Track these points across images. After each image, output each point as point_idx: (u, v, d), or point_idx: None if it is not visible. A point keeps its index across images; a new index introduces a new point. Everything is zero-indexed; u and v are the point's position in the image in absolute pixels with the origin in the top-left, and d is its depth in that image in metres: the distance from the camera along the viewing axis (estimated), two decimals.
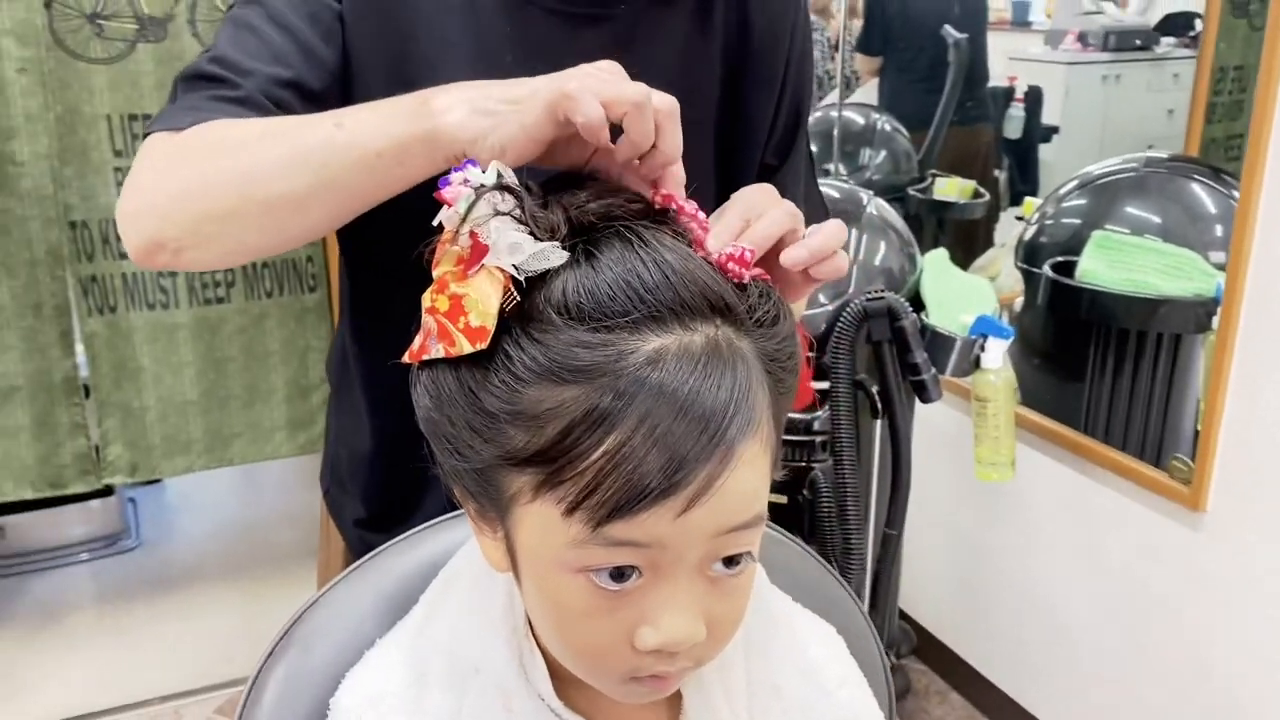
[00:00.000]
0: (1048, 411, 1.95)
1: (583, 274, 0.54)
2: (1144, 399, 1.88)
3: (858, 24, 3.12)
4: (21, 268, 2.04)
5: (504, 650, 0.63)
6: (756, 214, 0.61)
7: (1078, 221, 2.06)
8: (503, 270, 0.54)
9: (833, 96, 2.94)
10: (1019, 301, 2.14)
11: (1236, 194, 1.96)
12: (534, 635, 0.64)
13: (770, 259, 0.64)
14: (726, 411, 0.52)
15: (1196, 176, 2.04)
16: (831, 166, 2.76)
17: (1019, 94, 2.93)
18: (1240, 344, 1.51)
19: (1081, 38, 2.88)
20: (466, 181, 0.56)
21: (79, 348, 2.15)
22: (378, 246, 0.86)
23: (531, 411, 0.53)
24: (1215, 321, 1.69)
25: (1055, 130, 2.90)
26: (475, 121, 0.63)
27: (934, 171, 2.80)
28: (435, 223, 0.59)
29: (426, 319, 0.56)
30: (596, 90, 0.58)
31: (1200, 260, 1.82)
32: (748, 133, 0.90)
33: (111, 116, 2.02)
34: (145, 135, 0.76)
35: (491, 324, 0.53)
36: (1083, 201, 2.10)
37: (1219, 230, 1.85)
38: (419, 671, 0.65)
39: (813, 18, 3.26)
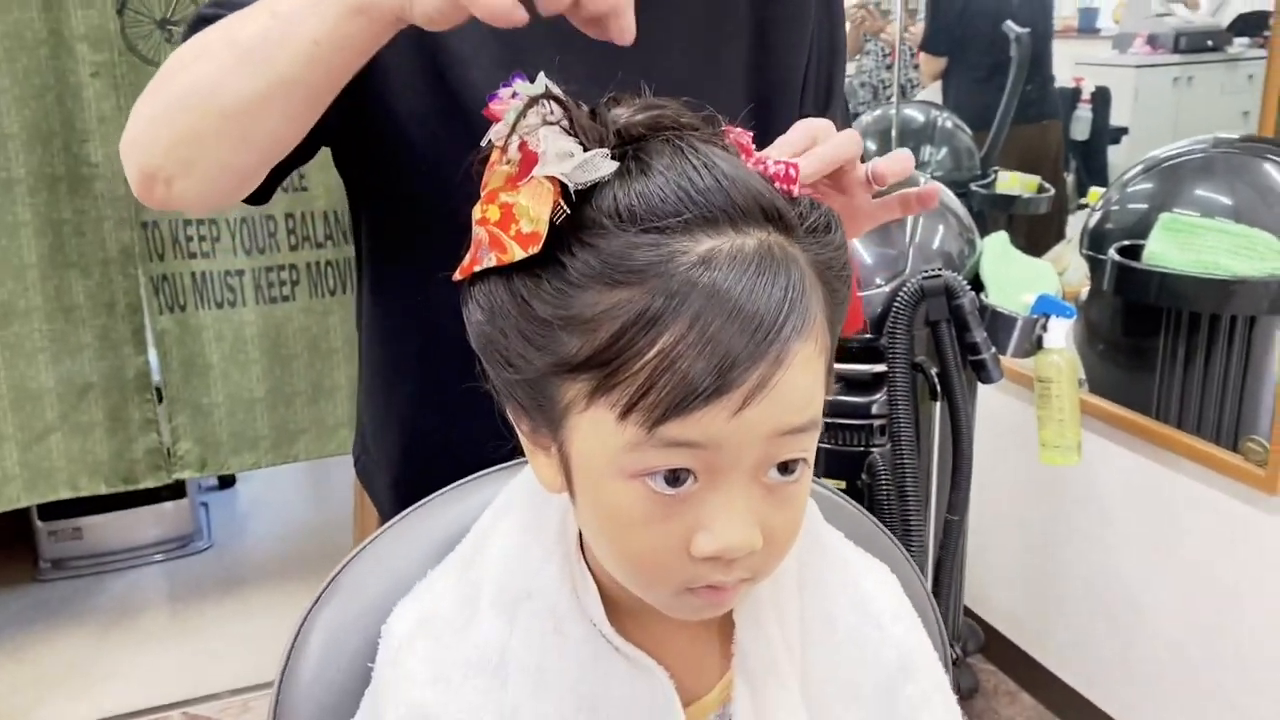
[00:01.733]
0: (1116, 399, 1.90)
1: (634, 179, 0.55)
2: (1218, 383, 1.83)
3: (912, 31, 3.10)
4: (95, 267, 2.10)
5: (556, 575, 0.63)
6: (822, 137, 0.62)
7: (1144, 206, 2.01)
8: (552, 179, 0.55)
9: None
10: (1085, 292, 2.10)
11: None
12: (586, 561, 0.64)
13: (835, 185, 0.65)
14: (781, 310, 0.52)
15: (1269, 156, 1.98)
16: None
17: (1085, 95, 2.89)
18: None
19: (1151, 40, 2.83)
20: (515, 95, 0.57)
21: (150, 346, 2.21)
22: (383, 187, 0.86)
23: (585, 315, 0.53)
24: None
25: (1124, 131, 2.85)
26: None
27: (996, 168, 2.77)
28: (484, 141, 0.60)
29: (477, 230, 0.57)
30: None
31: (1273, 239, 1.77)
32: (783, 81, 0.89)
33: None
34: None
35: (543, 229, 0.54)
36: (1149, 185, 2.05)
37: None
38: (469, 596, 0.65)
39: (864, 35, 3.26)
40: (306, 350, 2.24)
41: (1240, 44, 2.54)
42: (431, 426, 0.91)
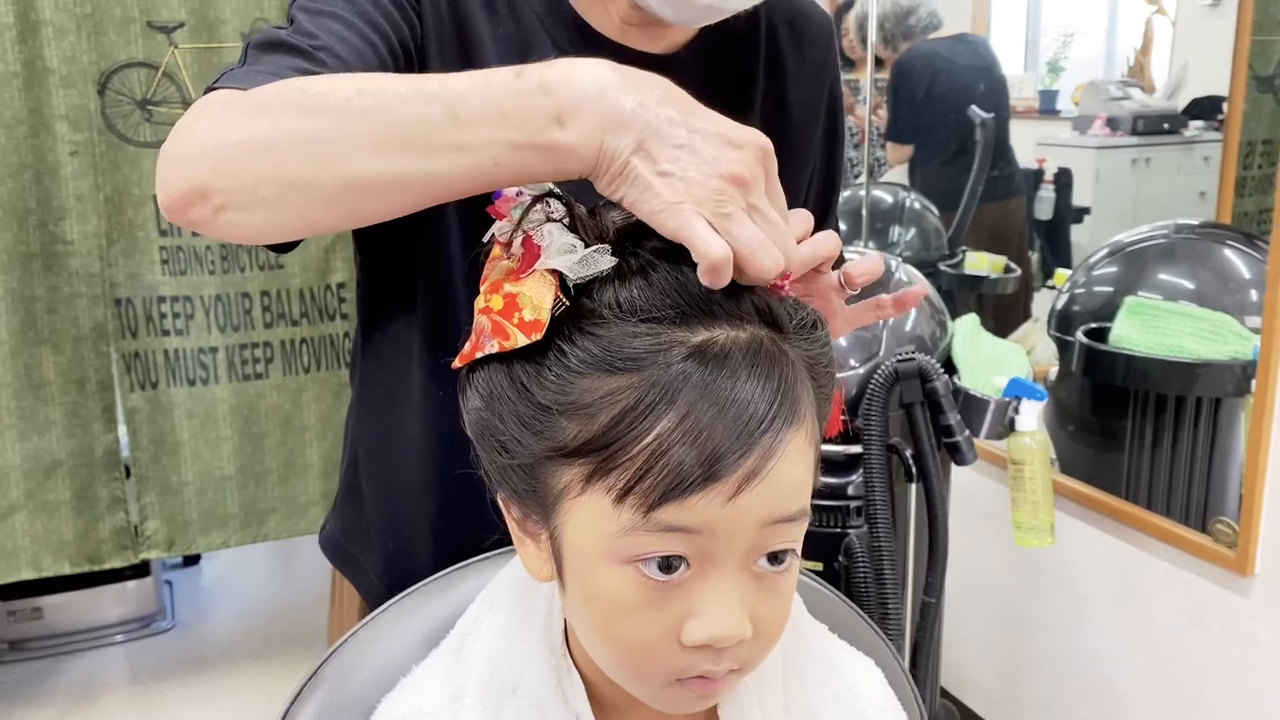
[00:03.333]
0: (1087, 479, 1.92)
1: (634, 274, 0.56)
2: (1185, 464, 1.86)
3: (880, 114, 3.18)
4: (67, 344, 2.09)
5: (542, 670, 0.63)
6: (802, 234, 0.64)
7: (1110, 289, 2.06)
8: (554, 272, 0.57)
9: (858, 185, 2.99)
10: (1054, 372, 2.14)
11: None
12: (572, 656, 0.64)
13: (806, 289, 0.67)
14: (775, 400, 0.53)
15: (1229, 242, 2.04)
16: (861, 244, 2.79)
17: (1048, 176, 2.97)
18: (1279, 406, 1.49)
19: (1110, 122, 2.92)
20: (520, 193, 0.59)
21: (120, 423, 2.19)
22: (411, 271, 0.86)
23: (584, 401, 0.54)
24: (1254, 384, 1.67)
25: (1086, 211, 2.93)
26: (613, 164, 0.58)
27: (964, 248, 2.82)
28: (486, 238, 0.61)
29: (480, 319, 0.59)
30: (759, 246, 0.57)
31: (1235, 323, 1.81)
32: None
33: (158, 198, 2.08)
34: (205, 92, 0.69)
35: (546, 317, 0.56)
36: (1114, 269, 2.10)
37: (1254, 295, 1.85)
38: (455, 692, 0.65)
39: None
40: (279, 428, 2.23)
41: (1196, 127, 2.63)
42: (421, 514, 0.91)
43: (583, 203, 0.62)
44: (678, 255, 0.57)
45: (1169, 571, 1.72)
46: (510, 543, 0.80)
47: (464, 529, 0.90)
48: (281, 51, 0.71)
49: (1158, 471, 1.88)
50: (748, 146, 0.58)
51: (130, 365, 2.13)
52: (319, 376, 2.24)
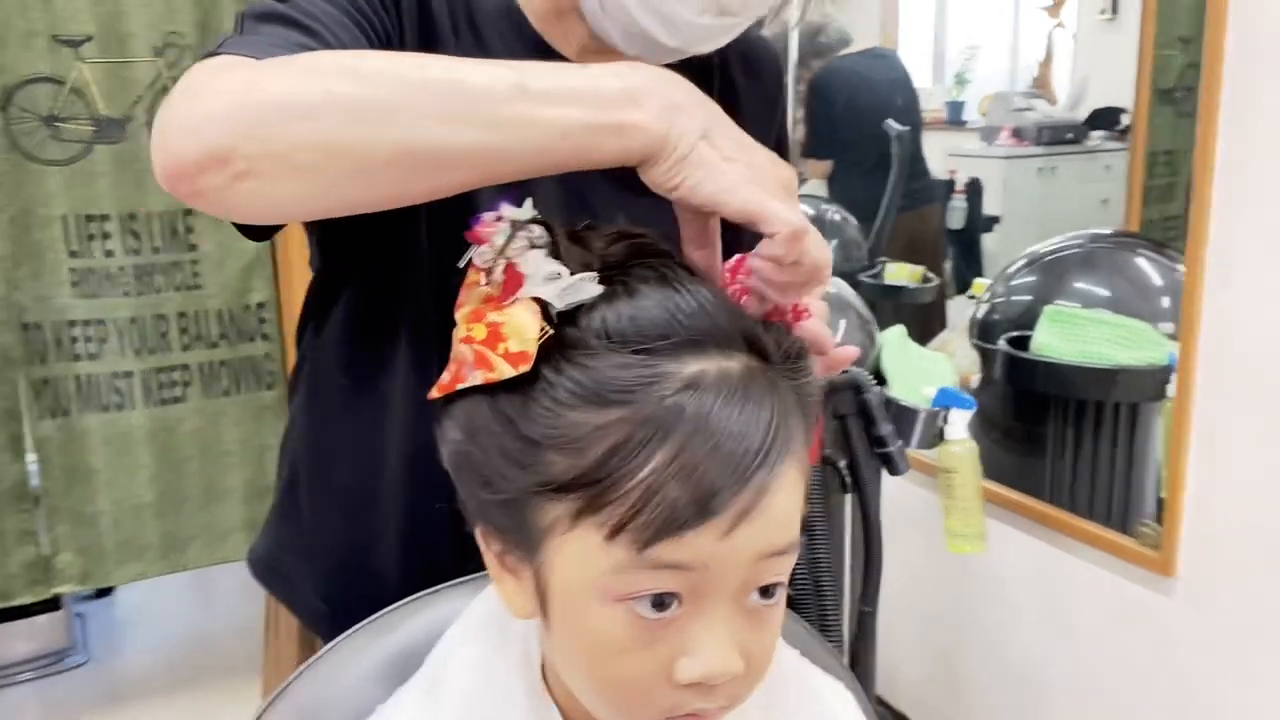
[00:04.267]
0: (1011, 485, 1.96)
1: (620, 302, 0.56)
2: (1106, 467, 1.91)
3: (801, 129, 3.22)
4: None
5: (521, 707, 0.62)
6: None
7: (1029, 298, 2.11)
8: (538, 300, 0.55)
9: None
10: (975, 379, 2.18)
11: (1180, 266, 2.03)
12: (550, 692, 0.63)
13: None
14: (768, 434, 0.53)
15: (1141, 250, 2.11)
16: None
17: (960, 186, 3.03)
18: (1198, 410, 1.54)
19: (1016, 133, 3.00)
20: (499, 219, 0.58)
21: (30, 453, 2.10)
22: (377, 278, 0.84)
23: (573, 435, 0.53)
24: (1170, 389, 1.73)
25: (997, 220, 3.00)
26: (680, 145, 0.59)
27: (883, 259, 2.87)
28: (462, 263, 0.60)
29: (460, 349, 0.57)
30: (803, 229, 0.59)
31: (1151, 330, 1.86)
32: None
33: (67, 218, 2.01)
34: (204, 57, 0.65)
35: (532, 348, 0.54)
36: (1032, 278, 2.15)
37: (1165, 301, 1.91)
38: None
39: None
40: (198, 453, 2.16)
41: (1097, 137, 2.71)
42: (385, 528, 0.89)
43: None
44: (665, 282, 0.57)
45: (1095, 574, 1.76)
46: (479, 567, 0.78)
47: (434, 542, 0.88)
48: (282, 24, 0.68)
49: (1079, 475, 1.93)
50: (783, 163, 0.61)
51: (39, 392, 2.05)
52: (240, 399, 2.18)
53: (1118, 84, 2.41)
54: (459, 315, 0.60)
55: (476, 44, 0.81)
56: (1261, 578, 1.47)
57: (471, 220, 0.59)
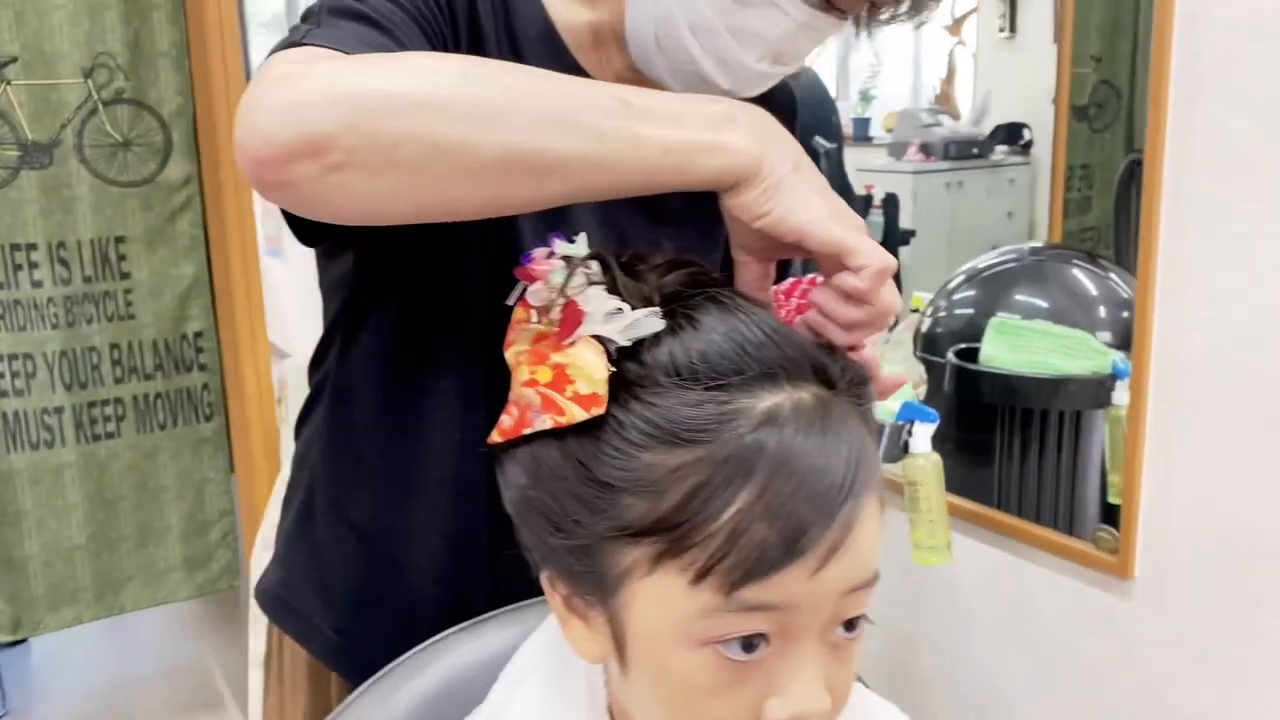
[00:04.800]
0: (963, 494, 2.00)
1: (686, 336, 0.54)
2: (1052, 473, 1.96)
3: None
4: None
5: None
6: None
7: (970, 311, 2.15)
8: (600, 338, 0.54)
9: None
10: (922, 392, 2.22)
11: (1113, 276, 2.10)
12: None
13: None
14: (851, 466, 0.52)
15: (1075, 262, 2.17)
16: None
17: (876, 201, 3.09)
18: (1151, 416, 1.58)
19: (924, 148, 3.07)
20: (551, 255, 0.56)
21: None
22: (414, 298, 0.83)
23: (649, 478, 0.51)
24: (1114, 396, 1.78)
25: (912, 234, 3.07)
26: (773, 171, 0.61)
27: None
28: (512, 300, 0.58)
29: (524, 393, 0.55)
30: (887, 262, 0.61)
31: (1092, 339, 1.92)
32: None
33: None
34: (283, 47, 0.63)
35: (603, 390, 0.52)
36: (972, 292, 2.20)
37: (1102, 311, 1.97)
38: None
39: None
40: (133, 491, 2.07)
41: (1000, 151, 2.79)
42: (421, 558, 0.86)
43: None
44: (728, 312, 0.56)
45: (1053, 579, 1.80)
46: (515, 599, 0.76)
47: (470, 575, 0.85)
48: (359, 20, 0.66)
49: (1026, 482, 1.98)
50: (852, 211, 0.63)
51: None
52: (176, 433, 2.09)
53: (1018, 100, 2.49)
54: (510, 354, 0.59)
55: (506, 31, 0.80)
56: (1216, 575, 1.51)
57: (521, 258, 0.58)
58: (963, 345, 2.06)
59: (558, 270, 0.56)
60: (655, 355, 0.54)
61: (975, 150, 2.96)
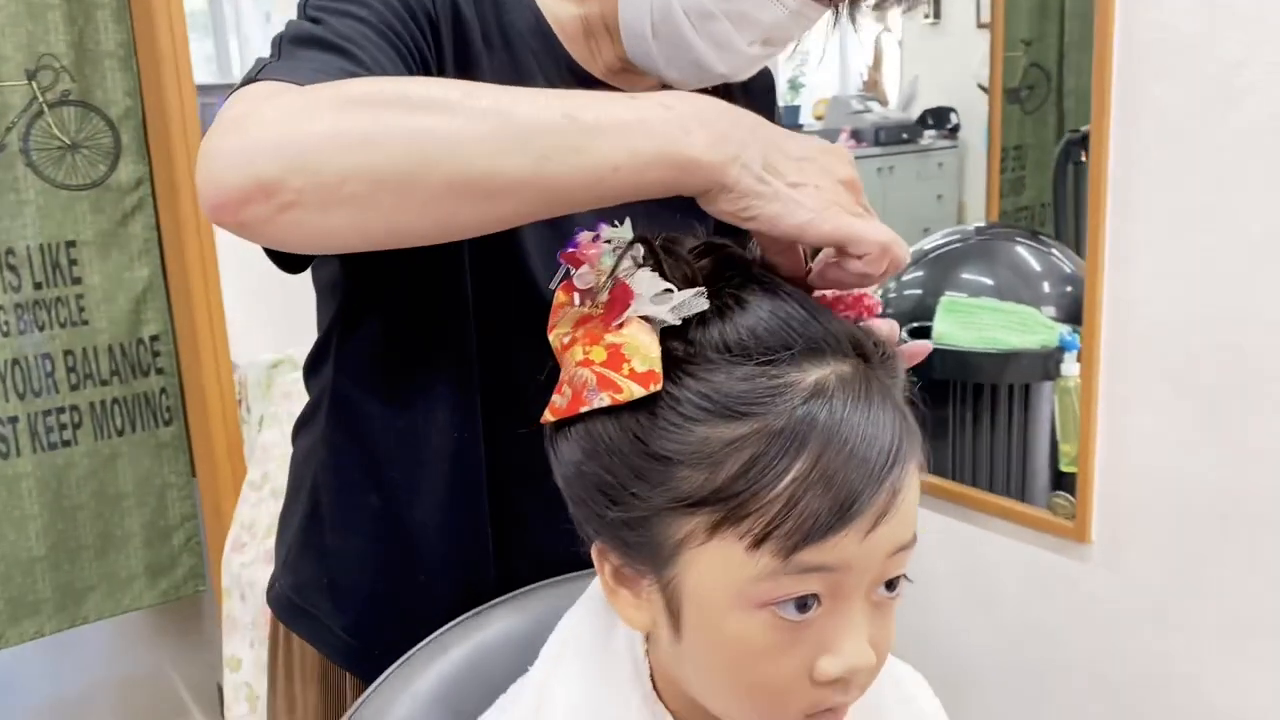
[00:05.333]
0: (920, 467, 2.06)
1: (735, 314, 0.57)
2: (1003, 444, 2.03)
3: None
4: None
5: (642, 717, 0.62)
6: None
7: (920, 291, 2.21)
8: (648, 319, 0.56)
9: None
10: None
11: (1055, 252, 2.17)
12: (661, 701, 0.64)
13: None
14: (896, 432, 0.55)
15: (1018, 240, 2.24)
16: None
17: None
18: (1102, 386, 1.65)
19: (855, 134, 3.13)
20: (596, 239, 0.58)
21: None
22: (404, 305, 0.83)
23: (707, 450, 0.54)
24: (1063, 368, 1.85)
25: None
26: (742, 179, 0.59)
27: None
28: (554, 285, 0.60)
29: (579, 372, 0.57)
30: (891, 243, 0.61)
31: (1039, 314, 1.99)
32: None
33: None
34: (241, 84, 0.64)
35: (659, 367, 0.55)
36: (921, 273, 2.26)
37: (1047, 286, 2.04)
38: None
39: None
40: (92, 499, 2.04)
41: (929, 135, 2.86)
42: (430, 557, 0.88)
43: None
44: (770, 292, 0.58)
45: (1012, 546, 1.86)
46: (523, 583, 0.78)
47: (479, 563, 0.87)
48: (321, 48, 0.67)
49: (980, 453, 2.04)
50: (840, 153, 0.62)
51: None
52: (135, 439, 2.06)
53: (945, 85, 2.55)
54: (554, 337, 0.61)
55: (510, 61, 0.82)
56: (1169, 535, 1.59)
57: (567, 243, 0.60)
58: (914, 324, 2.12)
59: (607, 254, 0.58)
60: (704, 333, 0.57)
61: (905, 135, 3.02)
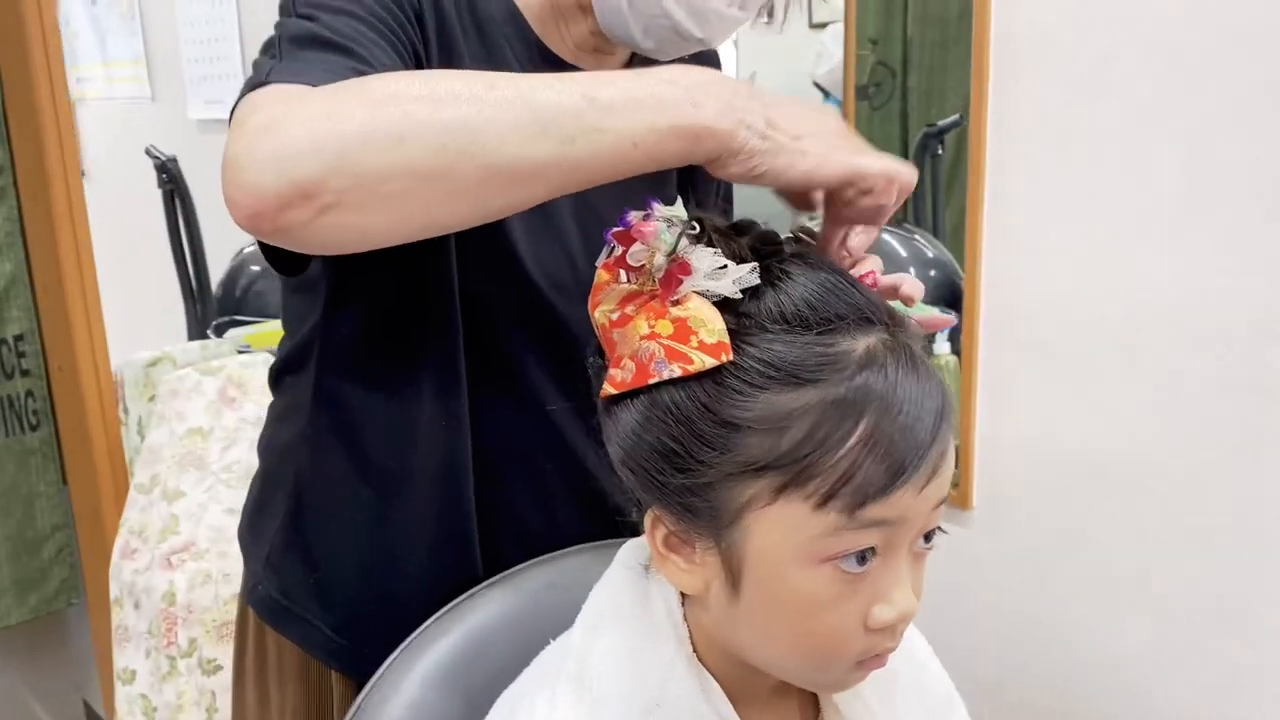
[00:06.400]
0: None
1: (788, 287, 0.60)
2: None
3: None
4: None
5: (685, 679, 0.65)
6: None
7: None
8: (702, 293, 0.59)
9: None
10: None
11: (918, 238, 2.29)
12: (701, 661, 0.66)
13: None
14: (940, 393, 0.59)
15: (883, 228, 2.36)
16: None
17: None
18: (982, 359, 1.75)
19: None
20: (648, 218, 0.60)
21: None
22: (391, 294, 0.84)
23: (774, 416, 0.57)
24: (935, 347, 1.97)
25: None
26: (749, 140, 0.64)
27: None
28: (599, 263, 0.62)
29: (646, 345, 0.59)
30: (895, 172, 0.65)
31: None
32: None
33: None
34: (250, 89, 0.64)
35: (726, 338, 0.57)
36: None
37: (913, 271, 2.16)
38: (597, 715, 0.65)
39: None
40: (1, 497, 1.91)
41: None
42: (416, 546, 0.88)
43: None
44: (812, 267, 0.62)
45: None
46: (509, 565, 0.80)
47: (465, 549, 0.87)
48: (323, 48, 0.68)
49: None
50: (827, 109, 0.67)
51: None
52: (48, 435, 1.96)
53: (782, 83, 2.64)
54: (599, 314, 0.63)
55: (484, 47, 0.83)
56: (1044, 499, 1.71)
57: (620, 221, 0.62)
58: None
59: (665, 232, 0.60)
60: (760, 305, 0.60)
61: None
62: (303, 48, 0.69)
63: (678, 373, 0.58)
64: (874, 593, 0.61)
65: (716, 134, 0.63)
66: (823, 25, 2.39)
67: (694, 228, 0.61)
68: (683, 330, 0.59)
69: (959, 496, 1.83)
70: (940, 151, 2.10)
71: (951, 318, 0.75)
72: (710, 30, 0.84)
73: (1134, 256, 1.51)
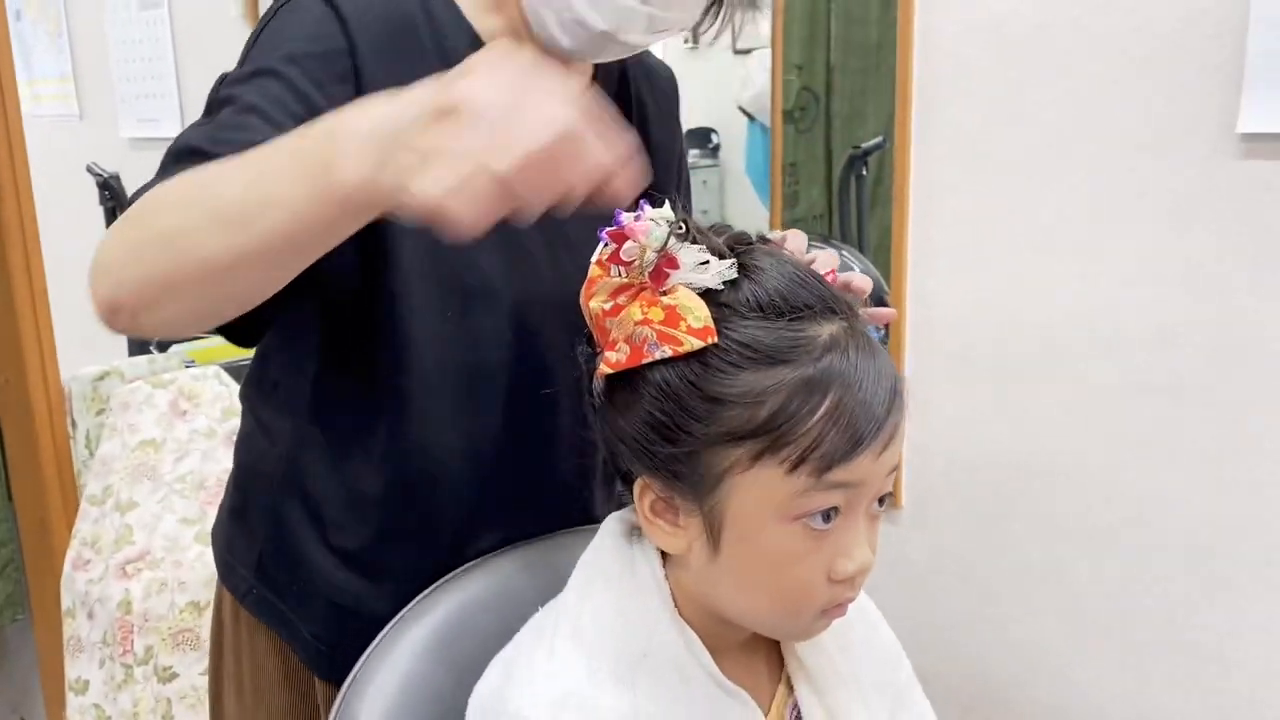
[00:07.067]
0: None
1: (761, 279, 0.68)
2: None
3: None
4: None
5: (669, 632, 0.73)
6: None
7: None
8: (689, 285, 0.67)
9: None
10: None
11: (845, 252, 2.40)
12: (682, 616, 0.74)
13: None
14: (893, 371, 0.68)
15: (813, 245, 2.47)
16: None
17: None
18: (908, 367, 1.86)
19: None
20: (638, 217, 0.68)
21: None
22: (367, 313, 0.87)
23: (752, 392, 0.66)
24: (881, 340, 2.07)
25: None
26: (426, 174, 0.57)
27: None
28: (597, 257, 0.70)
29: (639, 330, 0.67)
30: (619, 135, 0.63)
31: None
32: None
33: None
34: (130, 200, 0.72)
35: (711, 323, 0.65)
36: None
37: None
38: (588, 668, 0.72)
39: None
40: None
41: (692, 155, 3.07)
42: (370, 574, 0.93)
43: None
44: (778, 261, 0.70)
45: None
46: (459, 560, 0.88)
47: (437, 540, 0.92)
48: (193, 160, 0.71)
49: None
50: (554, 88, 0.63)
51: None
52: None
53: (706, 107, 2.73)
54: (594, 305, 0.70)
55: (446, 67, 0.88)
56: (966, 499, 1.82)
57: (614, 220, 0.69)
58: None
59: (654, 231, 0.68)
60: (737, 295, 0.68)
61: None
62: (174, 161, 0.74)
63: (668, 353, 0.67)
64: (836, 548, 0.69)
65: (355, 184, 0.60)
66: (747, 51, 2.49)
67: (680, 227, 0.69)
68: (672, 316, 0.67)
69: (891, 498, 1.93)
70: (865, 172, 2.21)
71: (893, 311, 0.83)
72: (613, 20, 0.82)
73: (1047, 270, 1.64)
